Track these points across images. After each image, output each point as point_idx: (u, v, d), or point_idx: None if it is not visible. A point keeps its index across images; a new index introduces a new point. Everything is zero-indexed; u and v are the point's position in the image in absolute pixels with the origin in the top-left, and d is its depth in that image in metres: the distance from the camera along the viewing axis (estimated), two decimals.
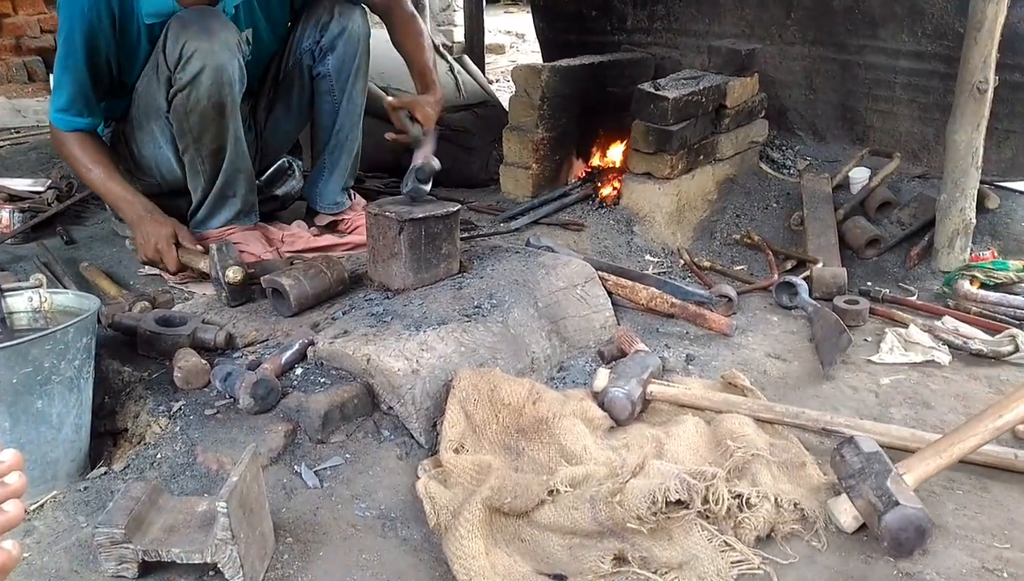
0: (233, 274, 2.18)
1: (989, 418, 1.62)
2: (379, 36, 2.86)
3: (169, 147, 2.50)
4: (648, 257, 2.88)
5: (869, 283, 2.74)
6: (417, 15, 2.75)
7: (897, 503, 1.46)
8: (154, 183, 2.60)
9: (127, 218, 2.46)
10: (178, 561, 1.36)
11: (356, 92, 2.73)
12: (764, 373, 2.18)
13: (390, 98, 2.46)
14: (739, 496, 1.55)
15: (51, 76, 4.75)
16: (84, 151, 2.41)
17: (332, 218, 2.88)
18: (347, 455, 1.72)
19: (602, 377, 1.95)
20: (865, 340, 2.37)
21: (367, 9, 2.71)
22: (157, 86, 2.38)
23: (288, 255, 2.56)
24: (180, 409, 1.78)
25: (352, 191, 2.95)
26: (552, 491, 1.55)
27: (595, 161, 3.44)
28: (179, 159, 2.50)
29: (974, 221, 2.72)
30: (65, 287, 2.22)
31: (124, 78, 2.44)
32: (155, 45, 2.36)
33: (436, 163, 2.29)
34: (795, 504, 1.59)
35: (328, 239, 2.72)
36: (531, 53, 8.40)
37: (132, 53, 2.40)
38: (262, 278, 2.22)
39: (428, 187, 2.27)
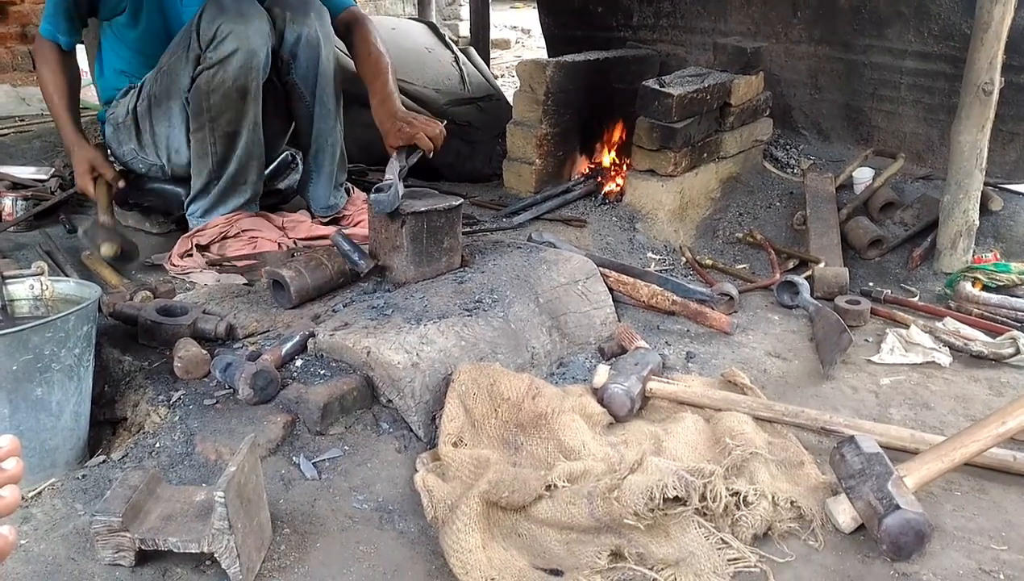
0: (107, 249, 2.40)
1: (992, 424, 1.62)
2: (385, 23, 2.84)
3: (183, 128, 2.51)
4: (650, 254, 2.88)
5: (871, 283, 2.74)
6: (376, 40, 2.64)
7: (898, 507, 1.46)
8: (157, 166, 2.61)
9: (64, 143, 2.61)
10: (175, 550, 1.36)
11: (327, 96, 2.68)
12: (764, 372, 2.18)
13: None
14: (737, 494, 1.55)
15: None
16: (51, 67, 2.54)
17: (332, 215, 2.88)
18: (346, 447, 1.72)
19: (602, 373, 1.95)
20: (866, 340, 2.37)
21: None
22: (184, 64, 2.39)
23: (292, 240, 2.57)
24: (179, 399, 1.78)
25: (350, 186, 2.94)
26: (550, 486, 1.55)
27: (599, 157, 3.44)
28: (188, 143, 2.51)
29: (977, 223, 2.71)
30: (66, 275, 2.23)
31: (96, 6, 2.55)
32: None
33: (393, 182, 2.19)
34: (792, 503, 1.58)
35: (331, 229, 2.72)
36: (536, 49, 8.40)
37: None
38: (263, 270, 2.22)
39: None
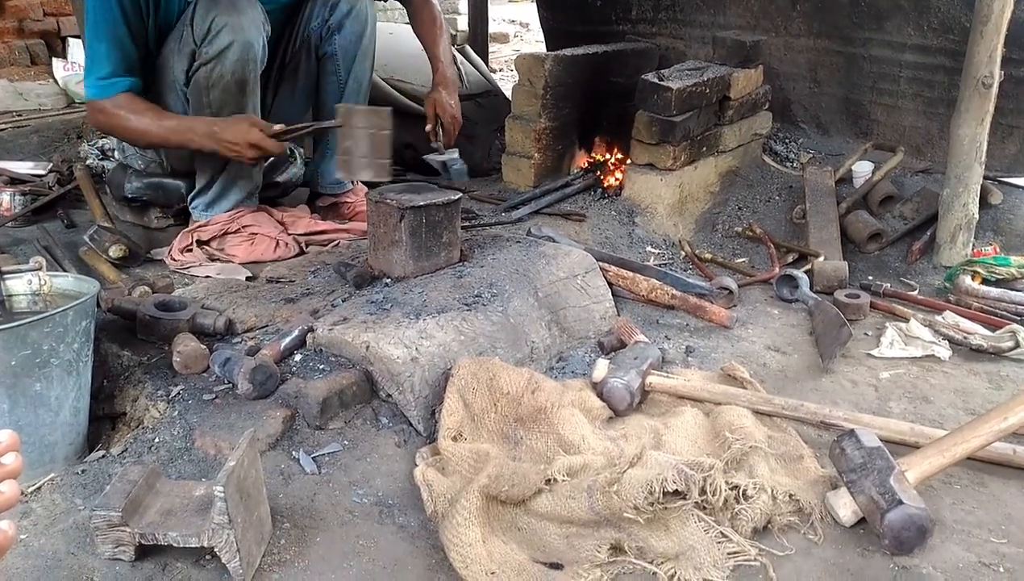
0: (115, 251, 2.40)
1: (994, 419, 1.62)
2: (383, 28, 2.85)
3: None
4: (649, 248, 2.88)
5: (870, 277, 2.74)
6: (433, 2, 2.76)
7: (900, 502, 1.46)
8: (156, 162, 2.60)
9: (204, 141, 2.32)
10: (175, 545, 1.36)
11: (361, 73, 2.73)
12: (764, 366, 2.18)
13: (428, 127, 2.52)
14: (736, 488, 1.55)
15: (54, 60, 4.75)
16: (137, 106, 2.33)
17: (334, 199, 2.88)
18: (345, 442, 1.72)
19: (601, 367, 1.95)
20: (865, 334, 2.37)
21: None
22: (178, 59, 2.38)
23: (292, 236, 2.57)
24: (179, 394, 1.78)
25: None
26: (550, 480, 1.55)
27: (598, 151, 3.44)
28: None
29: (976, 216, 2.71)
30: (65, 270, 2.22)
31: (155, 48, 2.44)
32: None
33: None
34: (792, 496, 1.58)
35: (330, 224, 2.72)
36: (535, 43, 8.37)
37: (169, 23, 2.40)
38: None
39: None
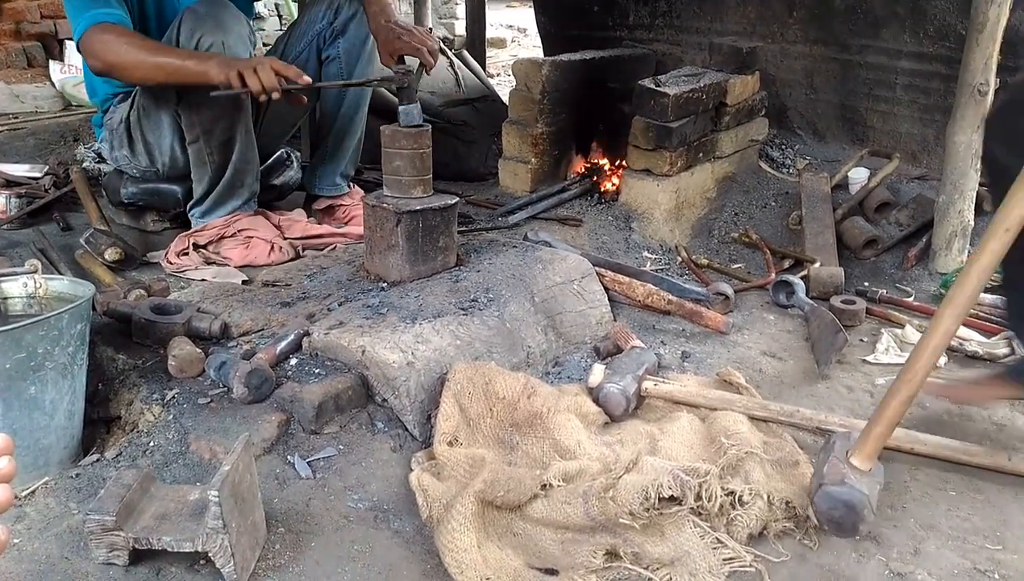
0: (111, 254, 2.40)
1: (914, 361, 1.52)
2: None
3: (174, 137, 2.50)
4: (646, 254, 2.88)
5: (866, 283, 2.74)
6: None
7: (820, 484, 1.47)
8: (152, 170, 2.60)
9: (211, 69, 2.15)
10: (169, 549, 1.36)
11: (363, 77, 2.72)
12: (760, 371, 2.18)
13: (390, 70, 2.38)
14: (732, 493, 1.55)
15: (51, 63, 4.75)
16: (125, 39, 2.21)
17: (330, 202, 2.88)
18: (340, 446, 1.72)
19: (597, 373, 1.95)
20: (861, 340, 2.37)
21: None
22: None
23: (288, 240, 2.57)
24: (174, 397, 1.78)
25: (351, 182, 2.95)
26: (545, 485, 1.55)
27: (594, 157, 3.44)
28: (182, 149, 2.50)
29: (972, 223, 2.72)
30: (60, 273, 2.22)
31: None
32: None
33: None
34: (787, 503, 1.58)
35: (326, 229, 2.71)
36: (533, 48, 8.39)
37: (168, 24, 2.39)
38: None
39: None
